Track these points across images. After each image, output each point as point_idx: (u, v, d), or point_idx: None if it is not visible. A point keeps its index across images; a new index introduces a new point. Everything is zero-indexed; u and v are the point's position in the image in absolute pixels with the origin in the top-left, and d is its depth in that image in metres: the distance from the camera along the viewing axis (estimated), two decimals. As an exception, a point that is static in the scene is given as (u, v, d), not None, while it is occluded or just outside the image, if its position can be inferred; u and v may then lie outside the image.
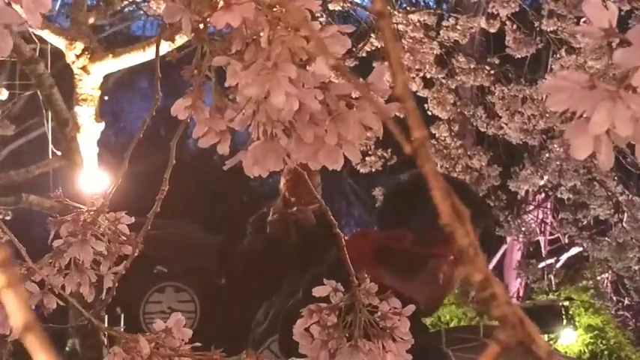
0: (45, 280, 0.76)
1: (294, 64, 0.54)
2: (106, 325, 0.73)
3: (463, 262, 0.29)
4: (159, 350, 0.67)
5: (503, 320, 0.29)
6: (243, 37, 0.55)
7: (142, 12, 6.67)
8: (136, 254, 0.79)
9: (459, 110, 4.97)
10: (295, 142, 0.59)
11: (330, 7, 4.06)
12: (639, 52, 0.41)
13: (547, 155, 4.97)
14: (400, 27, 4.35)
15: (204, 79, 0.61)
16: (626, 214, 5.20)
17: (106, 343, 0.81)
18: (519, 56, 4.63)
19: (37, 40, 4.48)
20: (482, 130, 5.05)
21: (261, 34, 0.54)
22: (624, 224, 5.20)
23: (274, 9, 0.55)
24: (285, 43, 0.53)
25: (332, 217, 0.82)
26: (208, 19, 0.56)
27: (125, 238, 0.79)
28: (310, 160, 0.61)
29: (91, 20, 4.61)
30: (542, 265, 8.15)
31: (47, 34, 4.02)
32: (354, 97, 0.61)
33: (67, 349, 4.33)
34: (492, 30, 4.63)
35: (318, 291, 0.77)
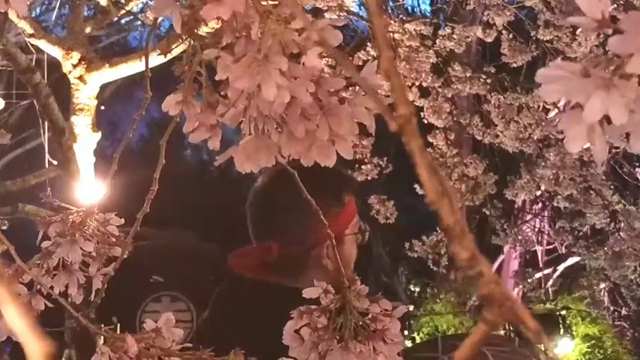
0: (34, 280, 0.75)
1: (285, 57, 0.53)
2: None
3: (450, 240, 0.28)
4: (149, 350, 0.66)
5: (490, 299, 0.28)
6: (234, 31, 0.54)
7: (138, 23, 6.68)
8: (125, 256, 0.78)
9: (455, 119, 4.97)
10: (287, 137, 0.58)
11: (327, 15, 4.06)
12: (633, 39, 0.41)
13: (543, 163, 4.97)
14: (396, 36, 4.36)
15: (196, 74, 0.60)
16: (622, 223, 5.20)
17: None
18: (515, 65, 4.63)
19: (33, 50, 4.48)
20: (479, 138, 5.05)
21: (252, 27, 0.53)
22: (620, 233, 5.20)
23: (265, 2, 0.54)
24: (276, 35, 0.53)
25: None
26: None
27: (114, 240, 0.78)
28: (302, 155, 0.60)
29: (88, 30, 4.61)
30: (539, 275, 8.15)
31: (44, 44, 4.03)
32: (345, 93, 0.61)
33: (62, 359, 4.31)
34: (489, 39, 4.64)
35: (308, 292, 0.76)
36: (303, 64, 0.54)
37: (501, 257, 8.57)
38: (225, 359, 0.66)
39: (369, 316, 0.76)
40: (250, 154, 0.58)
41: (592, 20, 0.46)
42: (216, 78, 0.54)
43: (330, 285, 0.77)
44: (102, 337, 0.71)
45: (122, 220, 0.81)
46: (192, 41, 0.59)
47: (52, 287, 0.76)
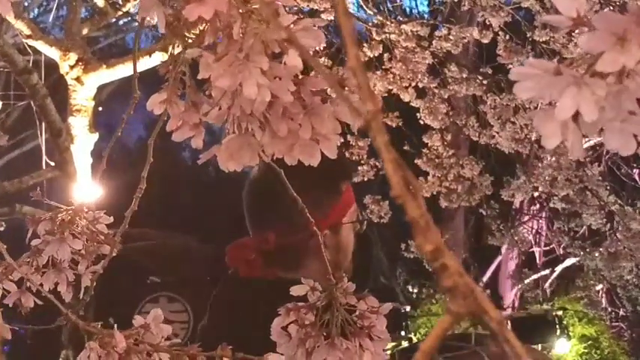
0: (24, 278, 0.76)
1: (267, 57, 0.54)
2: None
3: (415, 233, 0.29)
4: (138, 346, 0.66)
5: (455, 291, 0.29)
6: (216, 30, 0.55)
7: (136, 24, 6.69)
8: (114, 254, 0.79)
9: (451, 120, 4.98)
10: (269, 136, 0.59)
11: (323, 16, 4.07)
12: (604, 38, 0.41)
13: (539, 164, 4.99)
14: (392, 37, 4.37)
15: (180, 74, 0.61)
16: (619, 224, 5.21)
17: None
18: (512, 66, 4.64)
19: (31, 52, 4.48)
20: (475, 139, 5.06)
21: (234, 26, 0.54)
22: (617, 234, 5.21)
23: (247, 2, 0.55)
24: (258, 35, 0.53)
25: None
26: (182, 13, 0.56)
27: (103, 238, 0.78)
28: (286, 154, 0.61)
29: (85, 31, 4.61)
30: (536, 276, 8.16)
31: (41, 45, 4.02)
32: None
33: (60, 359, 4.31)
34: (485, 40, 4.65)
35: (295, 290, 0.77)
36: (285, 63, 0.54)
37: (499, 258, 8.58)
38: (213, 354, 0.67)
39: (356, 313, 0.76)
40: (233, 153, 0.59)
41: (567, 18, 0.47)
42: (199, 77, 0.55)
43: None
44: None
45: (111, 219, 0.82)
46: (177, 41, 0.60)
47: (41, 285, 0.77)
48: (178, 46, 0.61)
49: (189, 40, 0.59)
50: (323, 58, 4.47)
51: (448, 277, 0.29)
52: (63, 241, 0.75)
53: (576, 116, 0.45)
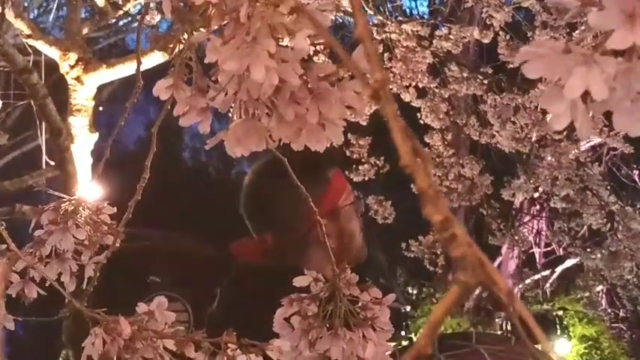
0: (27, 268, 0.76)
1: (274, 40, 0.54)
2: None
3: (424, 203, 0.28)
4: (142, 333, 0.66)
5: (463, 261, 0.28)
6: (223, 14, 0.55)
7: (136, 24, 6.68)
8: (117, 245, 0.78)
9: (452, 119, 4.98)
10: (276, 120, 0.58)
11: (324, 16, 4.07)
12: (613, 16, 0.41)
13: (540, 164, 4.98)
14: (393, 36, 4.37)
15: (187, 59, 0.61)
16: (619, 224, 5.21)
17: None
18: (512, 66, 4.65)
19: (31, 51, 4.48)
20: (475, 138, 5.06)
21: (241, 9, 0.54)
22: (617, 234, 5.21)
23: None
24: (265, 18, 0.53)
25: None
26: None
27: (107, 228, 0.78)
28: (292, 139, 0.61)
29: (85, 31, 4.61)
30: (537, 276, 8.16)
31: (41, 45, 4.02)
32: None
33: (60, 359, 4.31)
34: (485, 40, 4.65)
35: (298, 281, 0.77)
36: (292, 48, 0.54)
37: (499, 258, 8.58)
38: (218, 340, 0.66)
39: (359, 304, 0.76)
40: (240, 138, 0.58)
41: None
42: (206, 60, 0.55)
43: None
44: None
45: (114, 209, 0.81)
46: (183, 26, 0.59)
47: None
48: (185, 32, 0.61)
49: (196, 25, 0.59)
50: (323, 57, 4.47)
51: (457, 248, 0.28)
52: (66, 230, 0.75)
53: (585, 96, 0.45)
